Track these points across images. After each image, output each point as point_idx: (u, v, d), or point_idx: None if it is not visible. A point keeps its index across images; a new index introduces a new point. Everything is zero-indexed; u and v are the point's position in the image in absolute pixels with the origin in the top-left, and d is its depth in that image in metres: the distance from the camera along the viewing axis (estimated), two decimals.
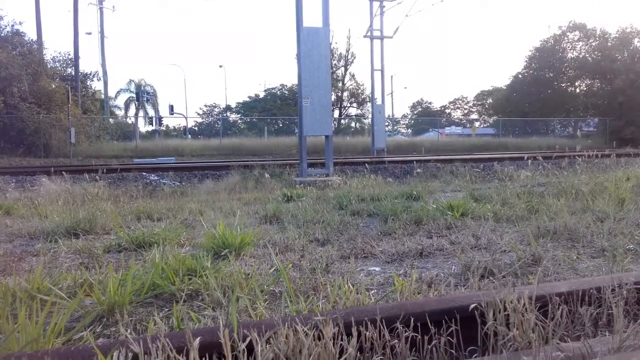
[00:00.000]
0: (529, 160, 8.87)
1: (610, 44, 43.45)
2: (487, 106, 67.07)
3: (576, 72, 45.39)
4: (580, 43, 45.97)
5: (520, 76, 48.87)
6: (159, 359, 1.35)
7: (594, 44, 44.86)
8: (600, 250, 3.14)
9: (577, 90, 47.21)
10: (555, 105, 45.26)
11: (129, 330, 1.90)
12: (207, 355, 1.42)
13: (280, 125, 44.80)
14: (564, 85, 47.16)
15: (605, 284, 1.85)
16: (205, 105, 70.99)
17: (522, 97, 47.04)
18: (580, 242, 3.34)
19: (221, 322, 1.55)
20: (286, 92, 56.64)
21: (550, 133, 42.95)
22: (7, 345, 1.64)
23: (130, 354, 1.34)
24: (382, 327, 1.56)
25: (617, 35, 43.58)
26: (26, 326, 1.69)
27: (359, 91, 50.39)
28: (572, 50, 46.46)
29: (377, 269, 2.90)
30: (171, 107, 40.97)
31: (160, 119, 45.26)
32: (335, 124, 43.59)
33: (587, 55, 44.88)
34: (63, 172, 10.54)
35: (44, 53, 30.12)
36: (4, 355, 1.42)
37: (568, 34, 45.99)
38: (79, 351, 1.42)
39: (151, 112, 55.29)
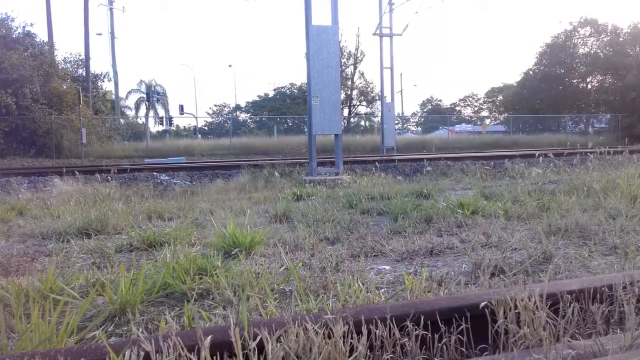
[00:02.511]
0: (540, 158, 8.77)
1: (622, 39, 43.06)
2: (497, 103, 66.78)
3: (587, 68, 45.06)
4: (592, 38, 45.63)
5: (531, 72, 48.59)
6: (171, 357, 1.36)
7: (605, 39, 44.49)
8: (612, 247, 3.11)
9: (589, 86, 46.86)
10: (567, 101, 44.94)
11: (140, 329, 1.92)
12: (218, 354, 1.43)
13: (290, 124, 44.86)
14: (575, 81, 46.82)
15: (617, 281, 1.84)
16: (215, 105, 71.46)
17: (533, 93, 46.76)
18: (592, 240, 3.31)
19: (232, 321, 1.56)
20: (295, 91, 56.78)
21: (561, 130, 42.56)
22: (21, 345, 1.66)
23: (142, 353, 1.35)
24: (392, 325, 1.56)
25: (629, 30, 43.21)
26: (39, 325, 1.71)
27: (369, 89, 50.38)
28: (583, 46, 46.17)
29: (387, 267, 2.89)
30: (181, 107, 41.18)
31: (170, 119, 45.64)
32: (344, 123, 43.54)
33: (599, 51, 44.52)
34: (75, 172, 10.64)
35: (55, 54, 30.31)
36: (18, 354, 1.44)
37: (579, 29, 45.69)
38: (91, 350, 1.44)
39: (161, 112, 55.83)
